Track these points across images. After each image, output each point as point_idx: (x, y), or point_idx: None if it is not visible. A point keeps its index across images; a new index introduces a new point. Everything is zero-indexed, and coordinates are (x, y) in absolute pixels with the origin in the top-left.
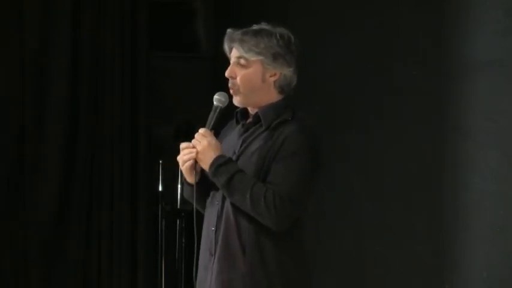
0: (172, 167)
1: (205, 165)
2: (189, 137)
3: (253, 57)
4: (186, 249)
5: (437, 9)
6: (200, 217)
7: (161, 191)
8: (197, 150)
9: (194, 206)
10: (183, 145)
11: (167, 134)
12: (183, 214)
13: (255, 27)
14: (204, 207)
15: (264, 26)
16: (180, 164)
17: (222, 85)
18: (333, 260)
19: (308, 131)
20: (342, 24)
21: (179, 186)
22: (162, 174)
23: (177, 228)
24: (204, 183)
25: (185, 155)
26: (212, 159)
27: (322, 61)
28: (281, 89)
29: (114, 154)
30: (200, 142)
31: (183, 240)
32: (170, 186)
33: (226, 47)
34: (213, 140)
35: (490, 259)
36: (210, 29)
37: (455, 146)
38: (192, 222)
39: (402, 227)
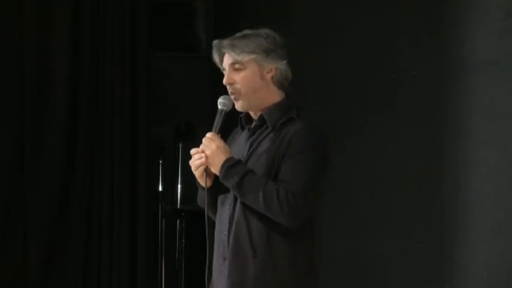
0: (172, 167)
1: (215, 168)
2: (189, 137)
3: (246, 58)
4: (186, 249)
5: (437, 9)
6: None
7: (161, 191)
8: (206, 155)
9: (206, 210)
10: (192, 151)
11: (167, 134)
12: (183, 214)
13: (238, 34)
14: (215, 212)
15: (247, 31)
16: (193, 169)
17: (222, 85)
18: (332, 260)
19: (314, 128)
20: (341, 24)
21: (179, 186)
22: (162, 174)
23: (177, 228)
24: (218, 189)
25: (196, 160)
26: (222, 162)
27: (321, 61)
28: (280, 84)
29: (114, 154)
30: (208, 146)
31: (183, 240)
32: (170, 186)
33: (216, 57)
34: (221, 143)
35: (490, 259)
36: (210, 29)
37: (455, 146)
38: (192, 222)
39: (402, 227)
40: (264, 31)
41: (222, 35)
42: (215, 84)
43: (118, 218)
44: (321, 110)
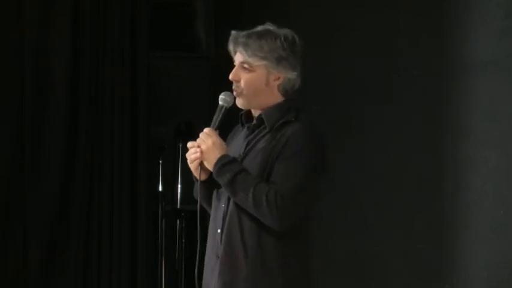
0: (172, 167)
1: (210, 164)
2: (189, 137)
3: (257, 62)
4: (186, 249)
5: (437, 9)
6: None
7: (161, 191)
8: (202, 150)
9: (199, 204)
10: (189, 144)
11: (167, 134)
12: (183, 214)
13: (259, 28)
14: (210, 205)
15: (268, 26)
16: (188, 162)
17: (222, 85)
18: (333, 260)
19: (311, 131)
20: (341, 24)
21: (179, 186)
22: (162, 174)
23: (177, 228)
24: (213, 182)
25: (191, 154)
26: (216, 158)
27: (321, 61)
28: (285, 92)
29: (114, 154)
30: (205, 141)
31: (183, 240)
32: (170, 186)
33: (231, 48)
34: (217, 139)
35: (490, 259)
36: (210, 29)
37: (455, 146)
38: (193, 222)
39: (402, 227)
40: (283, 32)
41: (222, 35)
42: (215, 84)
43: (118, 218)
44: (321, 110)
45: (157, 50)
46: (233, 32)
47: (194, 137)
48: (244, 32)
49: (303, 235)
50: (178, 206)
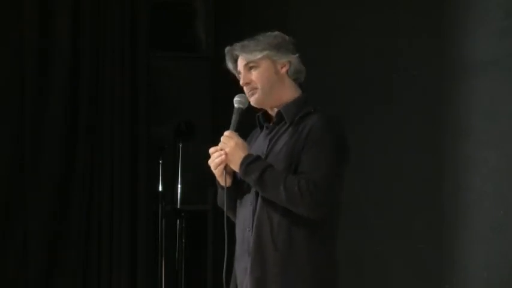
0: (172, 167)
1: (235, 165)
2: (189, 137)
3: (259, 55)
4: (186, 249)
5: (437, 9)
6: (203, 218)
7: (161, 191)
8: (226, 152)
9: (225, 209)
10: (211, 149)
11: (167, 134)
12: (183, 214)
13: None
14: (235, 213)
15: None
16: (213, 168)
17: (222, 85)
18: None
19: (331, 120)
20: (341, 24)
21: (179, 186)
22: (162, 174)
23: (177, 228)
24: (236, 188)
25: (216, 158)
26: (241, 158)
27: (321, 61)
28: (296, 77)
29: (114, 154)
30: (227, 144)
31: (183, 240)
32: (170, 186)
33: (230, 64)
34: (239, 140)
35: (490, 259)
36: (210, 29)
37: (455, 146)
38: (193, 222)
39: (402, 227)
40: (272, 32)
41: (222, 35)
42: (215, 84)
43: (118, 218)
44: (321, 110)
45: (157, 50)
46: (227, 48)
47: (194, 137)
48: (236, 43)
49: (329, 225)
50: (178, 206)
